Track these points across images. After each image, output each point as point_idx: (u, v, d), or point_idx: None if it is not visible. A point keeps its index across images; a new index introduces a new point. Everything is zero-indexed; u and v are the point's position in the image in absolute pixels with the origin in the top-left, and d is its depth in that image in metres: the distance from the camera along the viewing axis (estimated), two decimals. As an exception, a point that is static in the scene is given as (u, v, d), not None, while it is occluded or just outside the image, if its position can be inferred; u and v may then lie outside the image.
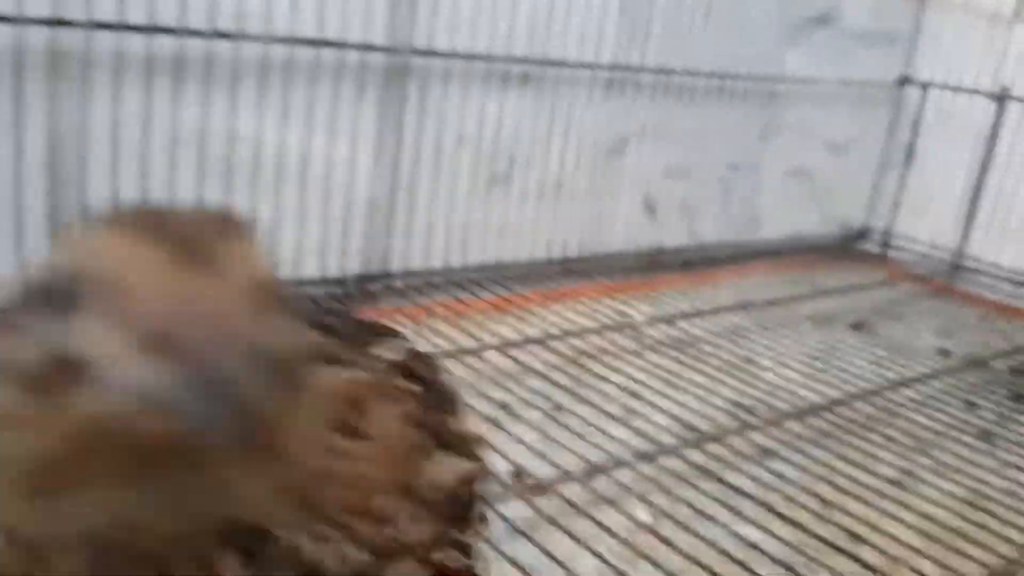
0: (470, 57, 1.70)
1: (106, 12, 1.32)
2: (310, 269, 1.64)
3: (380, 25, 1.58)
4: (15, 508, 0.28)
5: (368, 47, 1.58)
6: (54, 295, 0.30)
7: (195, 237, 0.31)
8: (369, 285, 1.72)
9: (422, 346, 1.49)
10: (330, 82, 1.57)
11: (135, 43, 1.36)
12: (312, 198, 1.61)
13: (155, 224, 0.31)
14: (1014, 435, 1.48)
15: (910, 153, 2.45)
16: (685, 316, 1.81)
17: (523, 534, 1.02)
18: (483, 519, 0.44)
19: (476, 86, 1.73)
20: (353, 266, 1.71)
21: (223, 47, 1.44)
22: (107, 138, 1.38)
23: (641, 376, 1.52)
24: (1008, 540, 1.13)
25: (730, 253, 2.28)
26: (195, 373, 0.28)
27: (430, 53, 1.65)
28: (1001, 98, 2.27)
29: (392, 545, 0.34)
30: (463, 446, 0.42)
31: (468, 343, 1.53)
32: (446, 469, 0.38)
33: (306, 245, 1.62)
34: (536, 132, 1.84)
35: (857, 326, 1.95)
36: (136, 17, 1.34)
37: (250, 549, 0.31)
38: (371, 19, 1.57)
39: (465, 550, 0.40)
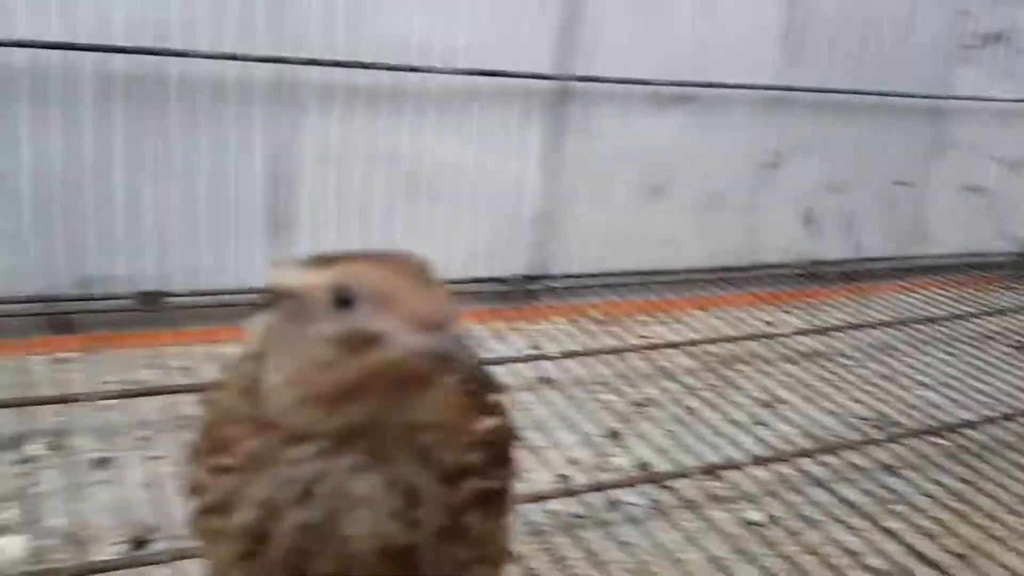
0: (629, 82, 1.83)
1: (313, 50, 1.56)
2: (480, 269, 1.84)
3: (546, 55, 1.75)
4: (316, 414, 0.48)
5: (535, 75, 1.75)
6: (341, 298, 0.48)
7: (416, 265, 0.51)
8: (530, 285, 1.90)
9: (572, 344, 1.65)
10: (501, 107, 1.75)
11: (338, 76, 1.60)
12: (483, 207, 1.81)
13: (385, 258, 0.52)
14: None
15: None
16: (834, 329, 1.86)
17: (639, 524, 1.16)
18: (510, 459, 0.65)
19: (635, 107, 1.87)
20: (518, 267, 1.89)
21: (411, 79, 1.65)
22: (315, 155, 1.63)
23: (777, 386, 1.61)
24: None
25: (894, 267, 2.28)
26: (445, 338, 0.48)
27: (592, 79, 1.80)
28: None
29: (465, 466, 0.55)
30: (494, 411, 0.63)
31: (613, 343, 1.68)
32: (483, 425, 0.59)
33: (478, 248, 1.82)
34: (693, 148, 1.95)
35: (1020, 347, 1.92)
36: (339, 54, 1.58)
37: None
38: (538, 50, 1.75)
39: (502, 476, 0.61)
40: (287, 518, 0.48)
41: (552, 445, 1.34)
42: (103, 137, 1.46)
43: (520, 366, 1.53)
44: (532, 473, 1.22)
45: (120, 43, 1.43)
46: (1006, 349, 1.90)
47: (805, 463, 1.33)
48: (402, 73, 1.64)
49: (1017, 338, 1.96)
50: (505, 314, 1.79)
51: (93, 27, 1.41)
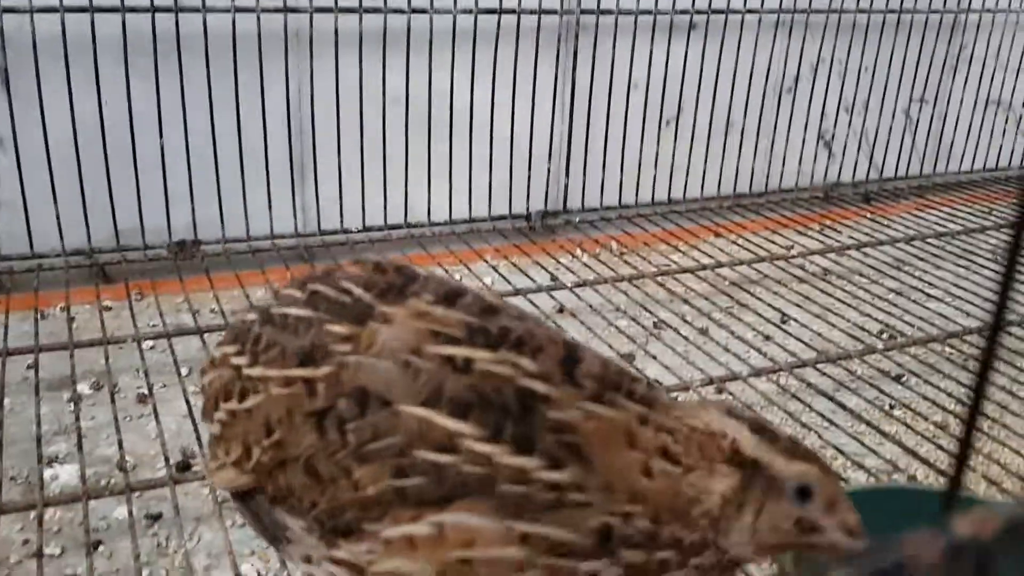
0: (637, 12, 1.85)
1: None
2: (500, 206, 1.90)
3: (551, -9, 1.78)
4: (754, 552, 0.60)
5: (544, 11, 1.78)
6: (804, 492, 0.58)
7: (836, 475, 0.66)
8: (550, 220, 1.95)
9: (590, 274, 1.70)
10: (510, 43, 1.79)
11: (349, 22, 1.65)
12: (499, 145, 1.86)
13: (828, 470, 0.61)
14: None
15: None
16: (848, 248, 1.89)
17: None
18: None
19: (644, 37, 1.89)
20: (537, 203, 1.95)
21: (420, 20, 1.70)
22: (331, 98, 1.69)
23: (788, 305, 1.65)
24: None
25: (913, 186, 2.29)
26: (859, 542, 0.61)
27: (600, 11, 1.83)
28: None
29: None
30: None
31: (628, 271, 1.73)
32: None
33: (496, 186, 1.88)
34: (705, 75, 1.97)
35: (1042, 260, 1.93)
36: (345, 2, 1.63)
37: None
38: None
39: None
40: None
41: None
42: (129, 96, 1.53)
43: (539, 296, 1.60)
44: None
45: (139, 3, 1.50)
46: (1022, 261, 1.91)
47: (808, 373, 1.38)
48: (412, 15, 1.69)
49: (1037, 250, 1.96)
50: (526, 249, 1.85)
51: (111, -10, 1.48)
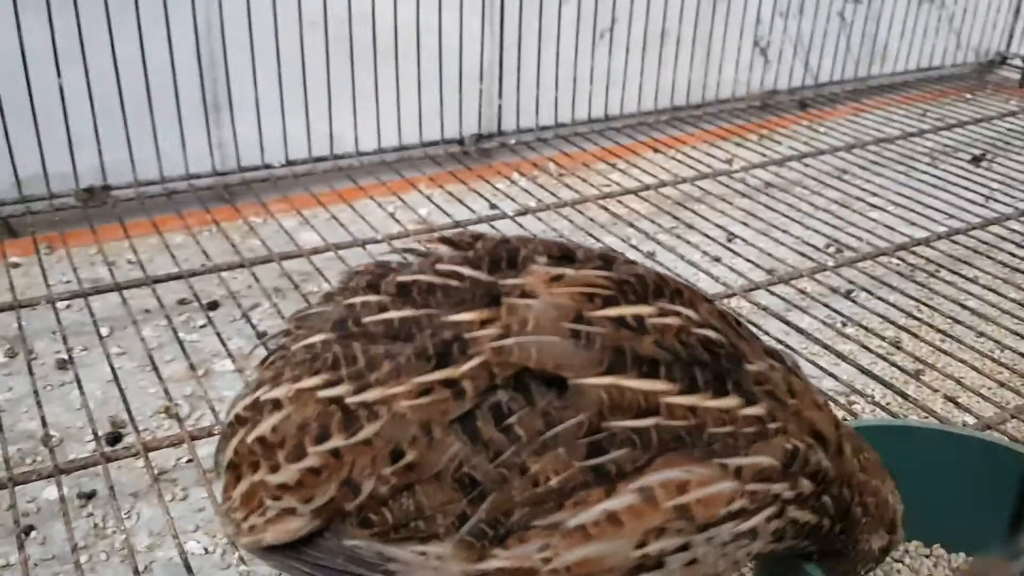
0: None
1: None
2: (432, 131, 1.81)
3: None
4: None
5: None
6: None
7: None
8: (485, 143, 1.87)
9: (531, 200, 1.64)
10: (433, -44, 1.67)
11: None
12: (428, 67, 1.75)
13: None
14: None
15: (1054, -30, 2.29)
16: (790, 159, 1.86)
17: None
18: None
19: (574, -55, 1.79)
20: (470, 126, 1.86)
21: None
22: (243, 25, 1.56)
23: (734, 222, 1.61)
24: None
25: (851, 90, 2.26)
26: None
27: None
28: None
29: None
30: None
31: (571, 195, 1.67)
32: None
33: (426, 110, 1.78)
34: (638, -16, 1.88)
35: (976, 160, 1.93)
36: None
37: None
38: None
39: None
40: None
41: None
42: (20, 31, 1.39)
43: (478, 227, 1.53)
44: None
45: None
46: (961, 163, 1.91)
47: (759, 295, 1.35)
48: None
49: (972, 151, 1.96)
50: (461, 176, 1.77)
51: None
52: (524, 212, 1.58)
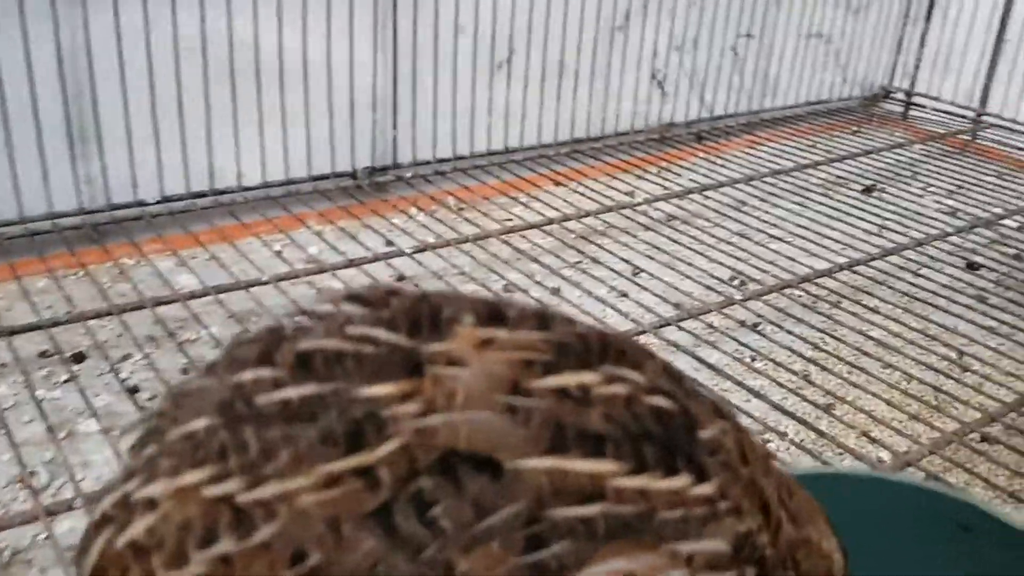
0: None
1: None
2: (321, 164, 1.72)
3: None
4: None
5: (354, -56, 1.60)
6: None
7: None
8: (379, 177, 1.79)
9: (429, 235, 1.57)
10: (320, -18, 1.59)
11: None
12: (316, 96, 1.66)
13: None
14: (1012, 296, 1.50)
15: (930, 8, 2.37)
16: (691, 192, 1.85)
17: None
18: None
19: (468, -26, 1.74)
20: (363, 159, 1.77)
21: (211, -44, 1.47)
22: (112, 50, 1.44)
23: (639, 256, 1.58)
24: (978, 408, 1.19)
25: (745, 123, 2.28)
26: None
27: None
28: (1029, -56, 2.17)
29: None
30: None
31: (471, 230, 1.60)
32: None
33: (315, 142, 1.69)
34: (534, 15, 1.84)
35: (868, 190, 1.96)
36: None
37: None
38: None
39: None
40: None
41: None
42: None
43: (374, 266, 1.45)
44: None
45: None
46: (854, 194, 1.93)
47: (668, 331, 1.31)
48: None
49: (864, 181, 2.00)
50: (354, 211, 1.68)
51: None
52: (423, 249, 1.50)
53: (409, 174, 1.81)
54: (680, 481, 0.46)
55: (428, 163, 1.83)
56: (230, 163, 1.61)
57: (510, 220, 1.70)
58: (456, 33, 1.76)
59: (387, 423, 0.43)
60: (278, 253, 1.49)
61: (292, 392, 0.45)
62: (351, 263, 1.43)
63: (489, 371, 0.45)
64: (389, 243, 1.57)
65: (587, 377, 0.47)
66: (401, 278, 1.46)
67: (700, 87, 2.18)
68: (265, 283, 1.34)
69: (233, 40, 1.54)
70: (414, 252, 1.48)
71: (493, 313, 0.49)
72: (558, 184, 1.89)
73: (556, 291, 1.46)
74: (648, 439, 0.46)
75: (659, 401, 0.48)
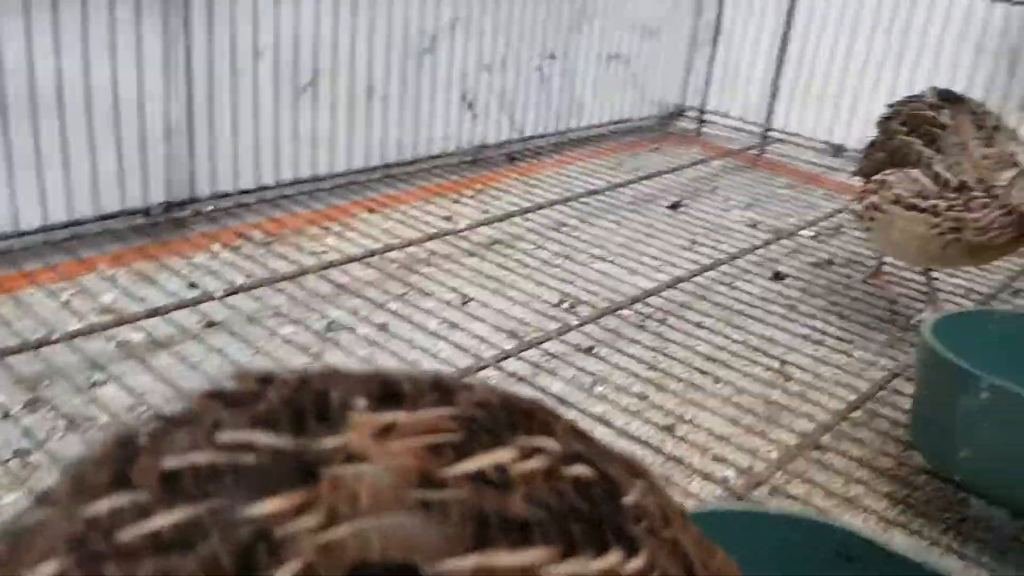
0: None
1: None
2: (110, 202, 1.55)
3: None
4: None
5: (138, -40, 1.45)
6: None
7: None
8: (176, 212, 1.64)
9: (238, 274, 1.46)
10: (102, 5, 1.43)
11: None
12: (101, 128, 1.50)
13: None
14: (814, 304, 1.58)
15: (717, 30, 2.50)
16: (510, 216, 1.82)
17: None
18: None
19: (267, -7, 1.63)
20: (157, 194, 1.62)
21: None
22: None
23: (466, 284, 1.53)
24: (806, 416, 1.23)
25: (554, 143, 2.30)
26: None
27: (210, -39, 1.54)
28: (799, -29, 2.33)
29: None
30: None
31: (284, 266, 1.50)
32: None
33: (102, 177, 1.52)
34: (339, 37, 1.76)
35: (674, 206, 2.02)
36: None
37: None
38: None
39: None
40: None
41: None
42: None
43: (180, 313, 1.31)
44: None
45: None
46: (662, 210, 1.99)
47: (509, 363, 1.27)
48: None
49: (671, 197, 2.06)
50: (151, 251, 1.53)
51: None
52: (234, 291, 1.38)
53: (210, 208, 1.67)
54: (612, 558, 0.42)
55: (230, 195, 1.70)
56: (3, 205, 1.41)
57: (325, 252, 1.60)
58: (256, 56, 1.65)
59: (283, 543, 0.35)
60: (66, 304, 1.32)
61: (161, 520, 0.36)
62: (154, 311, 1.28)
63: (395, 464, 0.38)
64: (193, 285, 1.43)
65: (502, 455, 0.41)
66: (211, 324, 1.33)
67: (510, 108, 2.17)
68: (55, 341, 1.18)
69: (3, 67, 1.35)
70: (225, 295, 1.36)
71: (387, 391, 0.42)
72: (372, 211, 1.81)
73: (384, 327, 1.38)
74: (575, 516, 0.41)
75: (579, 470, 0.43)
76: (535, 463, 0.42)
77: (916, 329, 1.46)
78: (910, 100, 1.43)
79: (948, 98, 1.37)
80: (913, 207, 1.33)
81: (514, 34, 2.09)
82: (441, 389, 0.44)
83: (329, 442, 0.38)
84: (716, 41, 2.51)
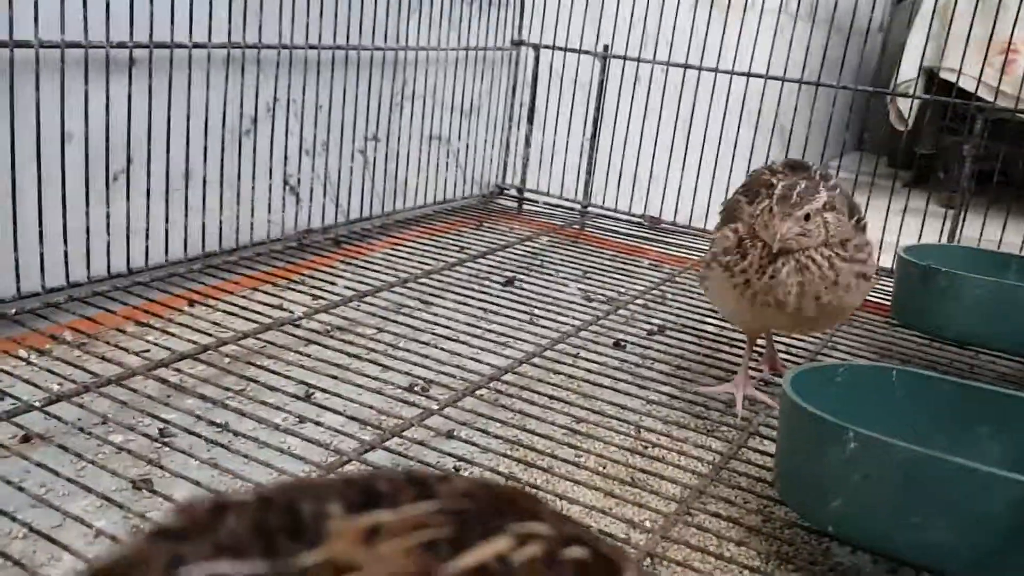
0: (63, 46, 1.47)
1: None
2: None
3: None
4: None
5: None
6: None
7: None
8: (-28, 316, 1.46)
9: (54, 381, 1.31)
10: None
11: None
12: None
13: None
14: (657, 369, 1.63)
15: (531, 112, 2.59)
16: (345, 301, 1.76)
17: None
18: None
19: (76, 76, 1.51)
20: (-53, 296, 1.44)
21: None
22: None
23: (307, 373, 1.46)
24: (670, 480, 1.24)
25: (380, 225, 2.27)
26: None
27: (18, 44, 1.41)
28: (604, 57, 2.46)
29: None
30: None
31: (108, 370, 1.36)
32: None
33: None
34: (153, 120, 1.66)
35: (509, 282, 2.02)
36: None
37: None
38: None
39: None
40: None
41: (60, 523, 1.02)
42: None
43: (-12, 428, 1.15)
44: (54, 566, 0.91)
45: None
46: (497, 287, 1.99)
47: (374, 456, 1.21)
48: None
49: (505, 274, 2.07)
50: (-59, 361, 1.34)
51: None
52: (55, 399, 1.23)
53: (12, 310, 1.50)
54: None
55: (37, 295, 1.54)
56: None
57: (148, 351, 1.48)
58: (63, 142, 1.52)
59: None
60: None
61: None
62: (-44, 432, 1.12)
63: (390, 569, 0.34)
64: (3, 396, 1.27)
65: (500, 545, 0.39)
66: (27, 439, 1.18)
67: (334, 191, 2.13)
68: None
69: None
70: (44, 405, 1.21)
71: (364, 492, 0.38)
72: (193, 304, 1.69)
73: (225, 426, 1.28)
74: None
75: (576, 553, 0.42)
76: (533, 549, 0.40)
77: (764, 386, 1.53)
78: (761, 169, 1.50)
79: (792, 166, 1.45)
80: (719, 264, 1.38)
81: (336, 116, 2.06)
82: (418, 483, 0.40)
83: (311, 557, 0.33)
84: (531, 121, 2.60)
